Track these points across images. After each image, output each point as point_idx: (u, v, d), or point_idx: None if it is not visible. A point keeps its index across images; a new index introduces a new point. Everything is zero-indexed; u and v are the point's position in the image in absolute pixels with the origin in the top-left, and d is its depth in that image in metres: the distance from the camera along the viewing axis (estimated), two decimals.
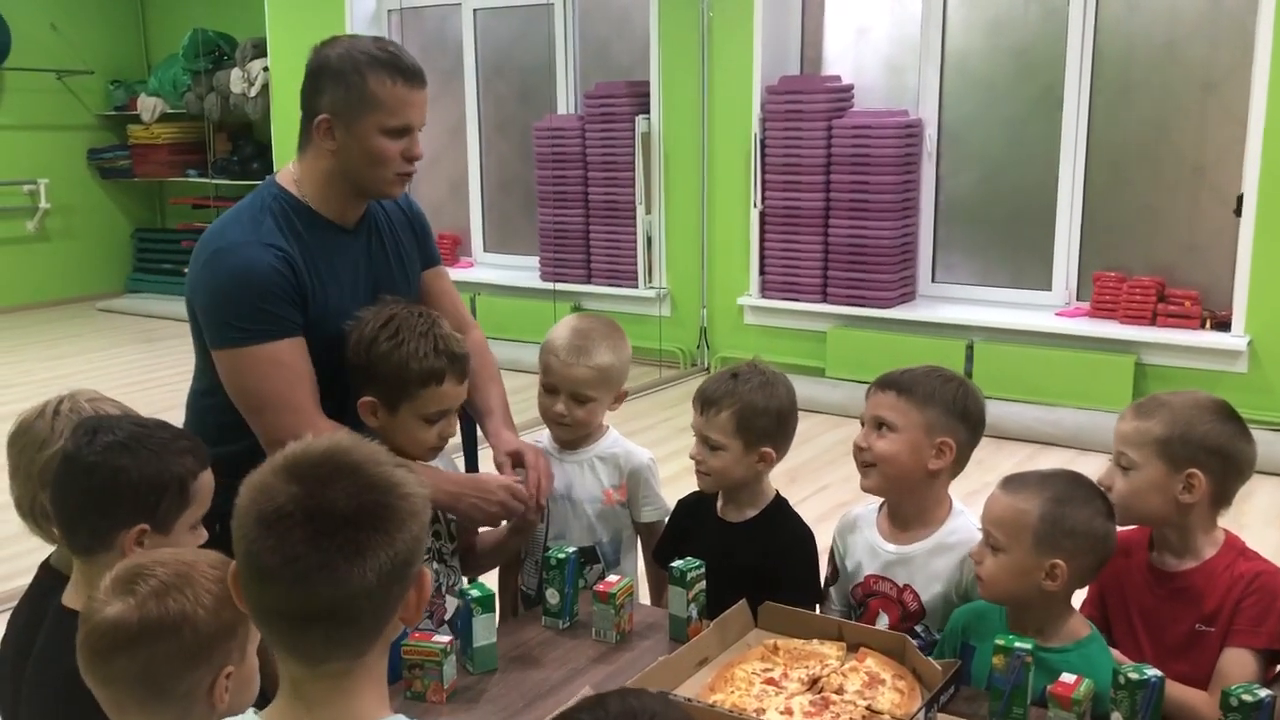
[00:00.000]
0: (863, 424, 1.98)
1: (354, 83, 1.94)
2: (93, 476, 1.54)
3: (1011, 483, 1.75)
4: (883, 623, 1.92)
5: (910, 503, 1.95)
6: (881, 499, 2.01)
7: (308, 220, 2.02)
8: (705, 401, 2.04)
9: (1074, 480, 1.75)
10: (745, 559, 2.01)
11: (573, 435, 2.20)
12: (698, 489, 2.13)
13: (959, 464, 1.93)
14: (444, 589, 2.06)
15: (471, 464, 2.47)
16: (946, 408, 1.92)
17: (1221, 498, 1.79)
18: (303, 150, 2.04)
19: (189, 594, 1.30)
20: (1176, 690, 1.64)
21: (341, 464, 1.13)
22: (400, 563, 1.12)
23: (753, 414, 2.00)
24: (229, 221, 2.03)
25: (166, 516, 1.55)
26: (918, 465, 1.90)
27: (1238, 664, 1.67)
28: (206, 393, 2.06)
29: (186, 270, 2.08)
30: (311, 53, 2.02)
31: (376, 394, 1.93)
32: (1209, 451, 1.76)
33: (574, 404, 2.15)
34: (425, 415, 1.93)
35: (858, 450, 1.96)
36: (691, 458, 2.06)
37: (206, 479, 1.62)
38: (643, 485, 2.22)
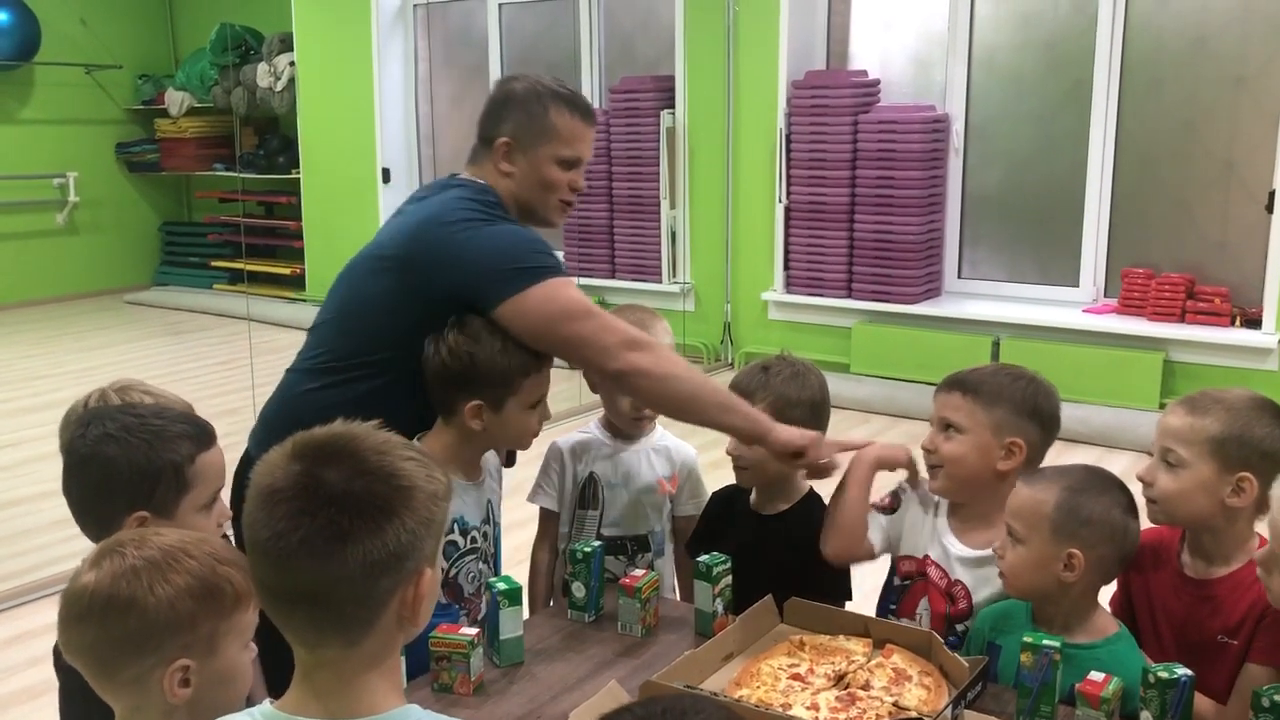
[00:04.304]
0: (932, 425, 1.94)
1: (536, 112, 2.09)
2: (87, 469, 1.57)
3: (1031, 476, 1.75)
4: (924, 608, 1.91)
5: (979, 504, 1.90)
6: None
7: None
8: (739, 396, 2.05)
9: (1091, 472, 1.73)
10: (777, 552, 2.02)
11: (648, 426, 2.26)
12: (731, 483, 2.13)
13: (1032, 464, 1.88)
14: (484, 588, 2.07)
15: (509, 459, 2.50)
16: (1015, 407, 1.86)
17: (1265, 503, 1.70)
18: (474, 170, 2.15)
19: (144, 579, 1.26)
20: (1195, 700, 1.59)
21: (343, 448, 1.13)
22: (389, 555, 1.09)
23: (786, 405, 2.01)
24: (462, 203, 2.04)
25: (165, 502, 1.56)
26: (986, 467, 1.86)
27: (1258, 681, 1.62)
28: (329, 386, 2.04)
29: (384, 249, 2.06)
30: (496, 86, 2.19)
31: (482, 397, 1.94)
32: (1264, 455, 1.69)
33: None
34: (530, 404, 1.98)
35: (925, 453, 1.93)
36: (729, 454, 2.06)
37: (208, 460, 1.62)
38: (692, 478, 2.27)
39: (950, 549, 1.91)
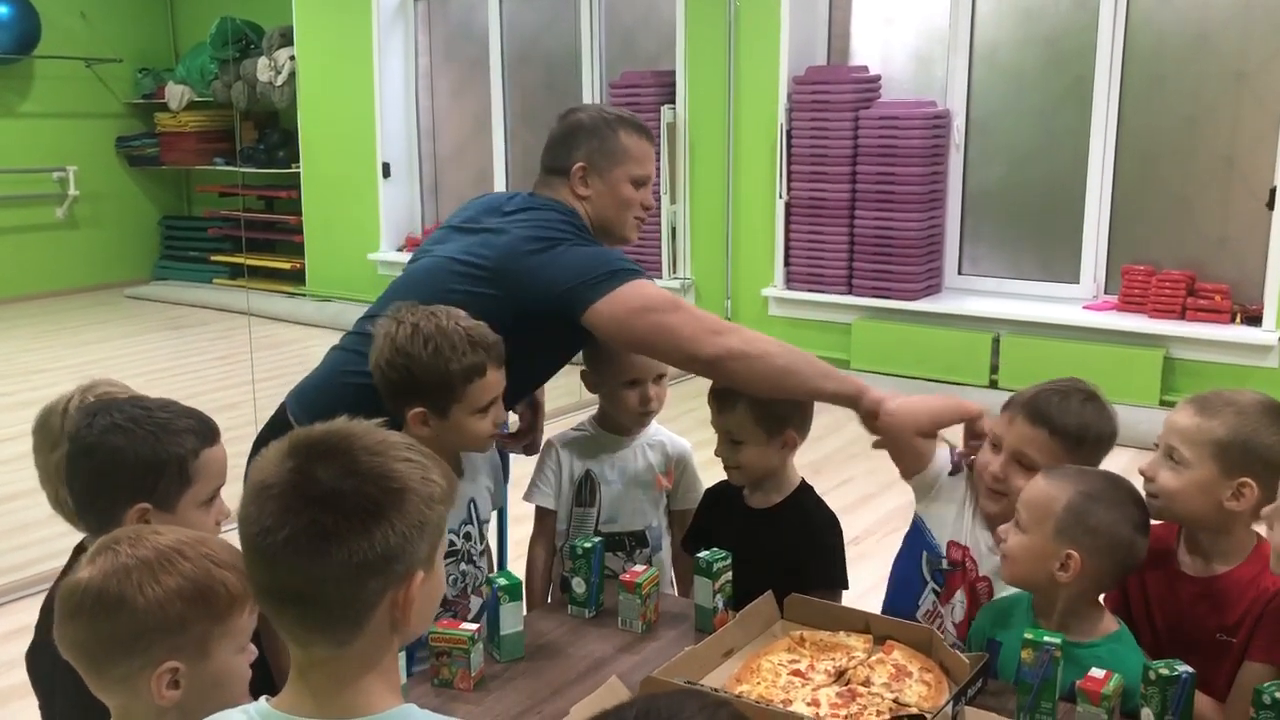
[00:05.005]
0: (995, 446, 1.87)
1: (607, 136, 2.22)
2: (92, 458, 1.57)
3: (1053, 470, 1.73)
4: (959, 599, 1.91)
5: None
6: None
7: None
8: (720, 398, 2.05)
9: (1113, 482, 1.71)
10: (772, 545, 2.02)
11: (653, 419, 2.26)
12: (724, 479, 2.13)
13: None
14: (469, 589, 2.07)
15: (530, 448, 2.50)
16: (1093, 454, 1.83)
17: (1265, 506, 1.70)
18: (546, 193, 2.23)
19: (135, 578, 1.26)
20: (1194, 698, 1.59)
21: (336, 446, 1.12)
22: (377, 557, 1.08)
23: (769, 401, 2.01)
24: (559, 225, 2.12)
25: (168, 495, 1.56)
26: None
27: (1258, 678, 1.61)
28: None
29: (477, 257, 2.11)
30: (559, 119, 2.30)
31: (424, 404, 1.92)
32: (1267, 463, 1.68)
33: (658, 385, 2.22)
34: (478, 408, 1.95)
35: (994, 479, 1.87)
36: (717, 455, 2.06)
37: (211, 456, 1.62)
38: (688, 472, 2.27)
39: (985, 552, 1.91)
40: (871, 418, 2.01)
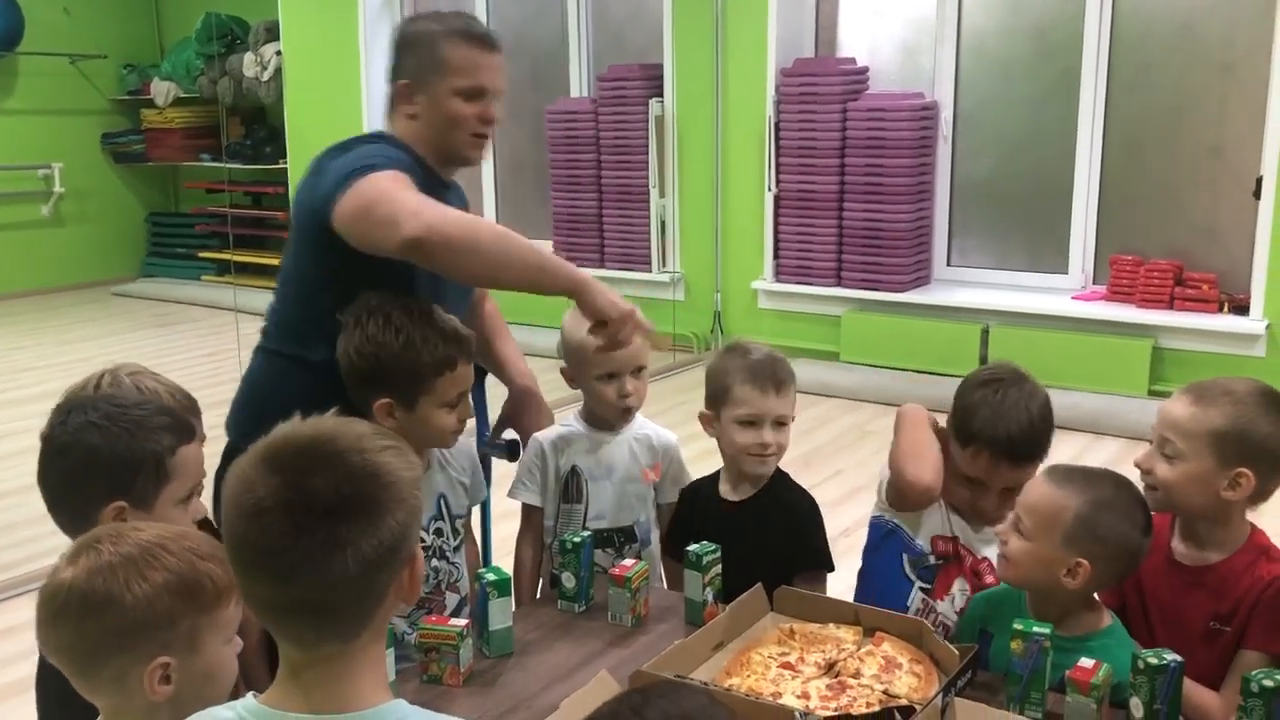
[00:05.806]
0: (970, 479, 1.91)
1: (429, 48, 2.05)
2: (67, 456, 1.56)
3: (1056, 474, 1.72)
4: (959, 587, 1.92)
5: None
6: None
7: (424, 167, 2.06)
8: (778, 381, 2.02)
9: (1120, 486, 1.70)
10: (755, 536, 2.02)
11: (634, 413, 2.23)
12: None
13: None
14: (444, 585, 2.06)
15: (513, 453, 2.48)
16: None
17: (1260, 495, 1.73)
18: (390, 122, 2.13)
19: (121, 575, 1.25)
20: (1188, 687, 1.59)
21: (322, 453, 1.12)
22: (385, 550, 1.11)
23: (793, 381, 2.05)
24: (335, 149, 2.02)
25: (144, 493, 1.56)
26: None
27: (1253, 667, 1.60)
28: (310, 299, 2.06)
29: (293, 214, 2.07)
30: (395, 30, 2.16)
31: (392, 395, 1.90)
32: (1264, 453, 1.68)
33: (636, 379, 2.17)
34: (446, 402, 1.93)
35: (991, 518, 1.92)
36: (765, 443, 2.02)
37: (189, 453, 1.61)
38: (674, 464, 2.26)
39: (967, 533, 1.94)
40: (591, 315, 1.91)
